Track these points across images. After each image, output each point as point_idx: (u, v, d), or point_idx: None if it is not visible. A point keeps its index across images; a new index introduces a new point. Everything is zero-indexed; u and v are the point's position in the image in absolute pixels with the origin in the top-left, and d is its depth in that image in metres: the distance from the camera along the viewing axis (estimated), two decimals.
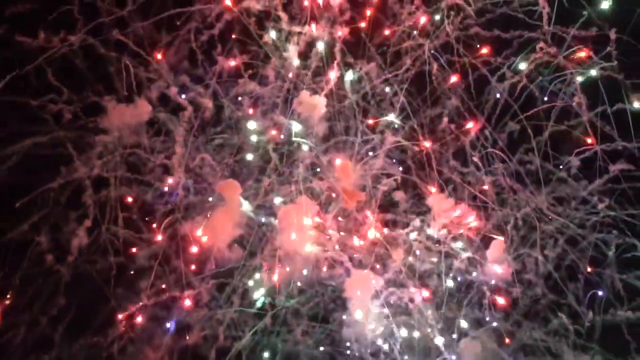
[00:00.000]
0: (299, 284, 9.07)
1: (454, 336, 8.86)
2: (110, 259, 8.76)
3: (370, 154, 9.36)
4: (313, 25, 9.05)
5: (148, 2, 8.68)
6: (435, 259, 9.02)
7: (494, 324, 8.99)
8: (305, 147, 9.23)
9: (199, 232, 8.67)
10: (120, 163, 8.82)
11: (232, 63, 9.22)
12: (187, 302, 8.83)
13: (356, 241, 9.02)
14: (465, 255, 8.91)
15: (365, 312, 8.62)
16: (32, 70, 8.24)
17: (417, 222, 9.07)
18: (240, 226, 8.77)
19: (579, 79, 8.92)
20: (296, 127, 9.06)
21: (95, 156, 8.61)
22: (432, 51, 9.27)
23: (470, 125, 9.22)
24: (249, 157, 9.43)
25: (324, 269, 9.08)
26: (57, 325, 8.57)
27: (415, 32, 9.30)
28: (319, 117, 8.97)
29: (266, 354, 9.34)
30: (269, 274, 8.93)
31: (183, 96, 9.05)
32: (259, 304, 9.08)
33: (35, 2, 8.26)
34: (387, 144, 9.26)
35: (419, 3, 9.21)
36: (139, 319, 8.72)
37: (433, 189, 9.04)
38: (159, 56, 8.92)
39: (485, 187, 9.15)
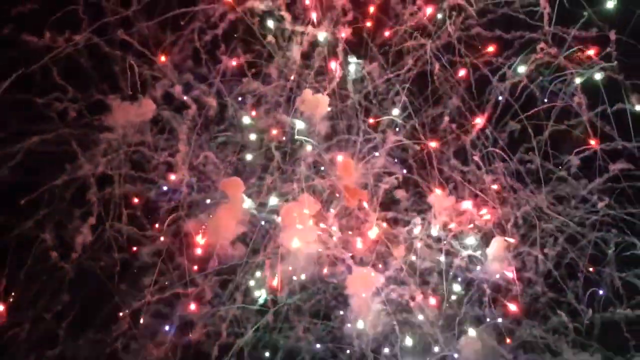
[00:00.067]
0: (302, 276, 9.08)
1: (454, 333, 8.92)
2: (114, 256, 8.79)
3: (376, 154, 9.41)
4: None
5: (153, 2, 8.72)
6: (436, 257, 9.06)
7: (499, 320, 9.01)
8: (307, 146, 9.29)
9: (199, 238, 8.75)
10: (124, 161, 8.85)
11: (234, 63, 9.28)
12: (192, 307, 8.93)
13: (359, 243, 9.05)
14: (465, 253, 8.96)
15: (366, 312, 8.71)
16: (38, 69, 8.26)
17: (418, 220, 9.12)
18: (243, 224, 8.82)
19: (578, 80, 8.95)
20: (299, 125, 9.09)
21: (99, 154, 8.65)
22: (434, 51, 9.32)
23: (478, 121, 9.26)
24: (249, 157, 9.47)
25: (325, 268, 9.16)
26: (61, 321, 8.61)
27: (416, 32, 9.34)
28: (322, 116, 9.02)
29: (268, 351, 9.38)
30: (271, 271, 8.99)
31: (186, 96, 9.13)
32: (261, 301, 9.12)
33: (40, 2, 8.30)
34: (388, 143, 9.31)
35: (421, 3, 9.26)
36: (143, 316, 8.79)
37: (439, 191, 9.08)
38: (163, 58, 8.96)
39: (495, 186, 9.18)
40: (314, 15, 9.12)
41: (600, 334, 8.95)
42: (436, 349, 8.89)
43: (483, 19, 9.23)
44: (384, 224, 9.15)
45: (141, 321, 8.86)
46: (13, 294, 8.48)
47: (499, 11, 9.17)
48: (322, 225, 8.95)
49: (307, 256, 8.76)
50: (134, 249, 9.00)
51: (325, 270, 9.14)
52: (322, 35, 9.13)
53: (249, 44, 9.32)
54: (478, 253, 8.99)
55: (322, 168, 9.44)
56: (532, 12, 8.96)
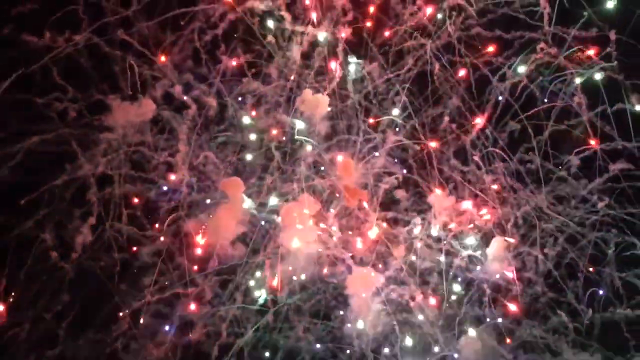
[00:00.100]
0: (302, 276, 9.09)
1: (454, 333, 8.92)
2: (114, 256, 8.79)
3: (376, 154, 9.41)
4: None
5: (153, 2, 8.72)
6: (436, 257, 9.07)
7: (499, 320, 9.03)
8: (307, 145, 9.30)
9: (199, 238, 8.76)
10: (124, 161, 8.86)
11: (234, 63, 9.29)
12: (192, 307, 8.94)
13: (359, 243, 9.06)
14: (465, 253, 8.97)
15: (366, 312, 8.71)
16: (38, 69, 8.27)
17: (418, 220, 9.13)
18: (243, 224, 8.83)
19: (578, 80, 8.96)
20: (299, 125, 9.10)
21: (99, 154, 8.65)
22: (433, 51, 9.32)
23: (478, 120, 9.27)
24: (249, 157, 9.48)
25: (325, 268, 9.17)
26: (61, 321, 8.62)
27: (416, 32, 9.35)
28: (322, 116, 9.02)
29: (268, 351, 9.38)
30: (271, 271, 8.99)
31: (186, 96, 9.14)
32: (261, 301, 9.13)
33: (40, 2, 8.30)
34: (388, 143, 9.32)
35: (421, 3, 9.26)
36: (143, 316, 8.80)
37: (439, 192, 9.08)
38: (163, 58, 8.96)
39: (495, 186, 9.18)
40: (314, 15, 9.13)
41: (600, 334, 8.95)
42: (436, 349, 8.90)
43: (483, 19, 9.23)
44: (384, 224, 9.15)
45: (141, 321, 8.86)
46: (13, 294, 8.49)
47: (499, 11, 9.17)
48: (322, 225, 8.96)
49: (307, 256, 8.77)
50: (134, 249, 9.00)
51: (325, 270, 9.14)
52: (322, 35, 9.14)
53: (249, 44, 9.33)
54: (478, 253, 8.99)
55: (322, 168, 9.45)
56: (532, 12, 8.96)
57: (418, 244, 9.02)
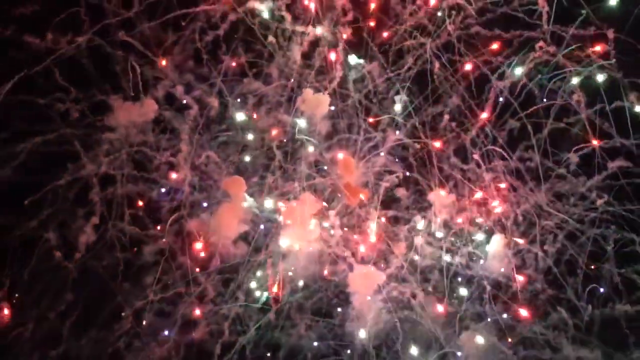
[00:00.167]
0: (301, 283, 9.14)
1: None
2: (117, 255, 8.86)
3: (382, 153, 9.46)
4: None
5: (154, 3, 8.75)
6: (437, 255, 9.12)
7: (504, 315, 9.09)
8: (308, 144, 9.35)
9: (199, 245, 8.83)
10: (126, 160, 8.91)
11: (234, 64, 9.35)
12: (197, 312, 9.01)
13: (362, 248, 9.10)
14: (466, 250, 9.03)
15: (368, 310, 8.76)
16: (40, 70, 8.33)
17: (419, 217, 9.19)
18: (245, 222, 8.87)
19: (577, 78, 9.00)
20: (301, 123, 9.16)
21: (102, 154, 8.72)
22: (433, 50, 9.37)
23: (484, 115, 9.29)
24: (250, 156, 9.55)
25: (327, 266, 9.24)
26: (65, 320, 8.67)
27: (415, 32, 9.39)
28: (323, 115, 9.07)
29: (270, 349, 9.41)
30: (273, 270, 9.04)
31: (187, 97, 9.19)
32: (263, 299, 9.18)
33: (42, 4, 8.35)
34: (389, 142, 9.38)
35: (421, 3, 9.31)
36: (145, 315, 8.87)
37: (443, 193, 9.11)
38: (164, 62, 9.02)
39: (503, 185, 9.21)
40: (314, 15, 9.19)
41: (599, 330, 8.99)
42: (437, 345, 8.93)
43: (482, 18, 9.26)
44: (383, 219, 9.18)
45: (144, 320, 8.93)
46: (17, 293, 8.58)
47: (498, 10, 9.19)
48: (324, 224, 9.01)
49: (309, 255, 8.82)
50: (137, 248, 9.05)
51: (326, 269, 9.19)
52: (320, 30, 9.15)
53: (249, 43, 9.37)
54: (479, 250, 9.04)
55: (325, 168, 9.51)
56: (530, 10, 8.99)
57: (419, 241, 9.05)
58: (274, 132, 9.38)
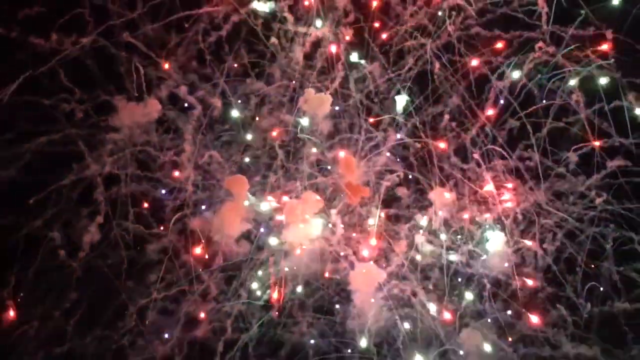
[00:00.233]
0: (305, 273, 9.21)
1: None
2: (122, 254, 8.94)
3: (387, 153, 9.54)
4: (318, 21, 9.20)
5: (157, 5, 8.83)
6: (437, 253, 9.19)
7: (510, 312, 9.15)
8: (310, 144, 9.42)
9: (198, 250, 8.93)
10: (130, 160, 8.99)
11: (236, 65, 9.44)
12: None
13: (365, 251, 9.16)
14: (466, 248, 9.10)
15: (369, 307, 8.83)
16: (45, 71, 8.41)
17: (419, 216, 9.26)
18: (247, 221, 8.92)
19: (575, 79, 9.05)
20: (304, 122, 9.23)
21: (106, 154, 8.78)
22: (434, 50, 9.43)
23: (489, 112, 9.35)
24: (252, 156, 9.63)
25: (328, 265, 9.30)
26: (70, 319, 8.76)
27: (416, 32, 9.45)
28: (325, 114, 9.14)
29: (272, 346, 9.47)
30: (275, 268, 9.12)
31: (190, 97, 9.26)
32: (265, 297, 9.25)
33: (47, 6, 8.45)
34: (390, 141, 9.45)
35: (421, 3, 9.38)
36: (149, 312, 8.94)
37: (447, 195, 9.16)
38: (167, 65, 9.08)
39: (510, 185, 9.26)
40: (315, 16, 9.26)
41: (598, 327, 9.03)
42: (438, 343, 9.00)
43: (482, 19, 9.32)
44: (382, 214, 9.24)
45: (148, 318, 9.01)
46: (22, 293, 8.65)
47: (498, 11, 9.25)
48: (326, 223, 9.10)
49: (311, 253, 8.89)
50: (140, 247, 9.13)
51: (328, 267, 9.25)
52: (320, 23, 9.21)
53: (252, 44, 9.44)
54: (479, 248, 9.12)
55: (329, 168, 9.57)
56: (530, 11, 9.04)
57: (419, 240, 9.12)
58: (276, 131, 9.45)
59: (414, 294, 9.09)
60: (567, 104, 9.22)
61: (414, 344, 9.03)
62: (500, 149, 9.29)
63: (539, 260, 9.20)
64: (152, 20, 8.93)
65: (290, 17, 9.16)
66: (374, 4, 9.41)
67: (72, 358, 8.82)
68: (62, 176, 8.66)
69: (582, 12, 8.82)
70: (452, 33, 9.33)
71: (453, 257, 9.20)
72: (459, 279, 9.35)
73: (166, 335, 9.08)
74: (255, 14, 9.14)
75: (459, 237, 9.20)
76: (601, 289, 9.20)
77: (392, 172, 9.43)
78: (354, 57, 9.49)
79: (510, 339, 9.05)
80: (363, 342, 8.93)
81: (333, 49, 9.29)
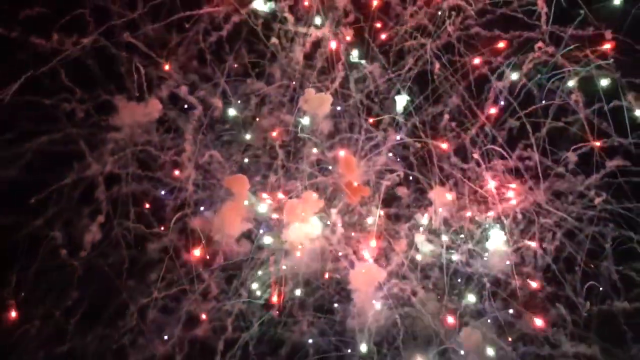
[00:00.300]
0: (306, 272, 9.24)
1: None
2: (122, 253, 8.96)
3: (390, 154, 9.57)
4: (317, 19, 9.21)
5: (158, 5, 8.85)
6: (437, 252, 9.21)
7: (511, 311, 9.17)
8: (310, 144, 9.45)
9: (197, 252, 8.94)
10: (131, 160, 9.01)
11: (236, 65, 9.46)
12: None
13: (367, 255, 9.17)
14: (466, 247, 9.13)
15: (369, 306, 8.86)
16: (46, 71, 8.42)
17: (419, 215, 9.29)
18: (248, 220, 8.96)
19: (574, 80, 9.09)
20: (304, 122, 9.26)
21: (107, 153, 8.80)
22: (434, 51, 9.47)
23: (492, 111, 9.39)
24: (250, 157, 9.66)
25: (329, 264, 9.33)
26: (71, 318, 8.77)
27: (416, 32, 9.49)
28: (325, 114, 9.17)
29: (273, 345, 9.48)
30: (276, 267, 9.14)
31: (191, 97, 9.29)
32: (265, 296, 9.28)
33: (48, 6, 8.47)
34: (390, 141, 9.48)
35: (421, 3, 9.41)
36: (150, 311, 8.97)
37: (449, 196, 9.19)
38: (167, 67, 9.11)
39: (513, 185, 9.28)
40: (315, 16, 9.29)
41: (598, 326, 9.06)
42: (438, 341, 9.03)
43: (482, 19, 9.35)
44: (382, 213, 9.27)
45: (148, 317, 9.03)
46: (23, 292, 8.66)
47: (498, 11, 9.29)
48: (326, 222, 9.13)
49: (311, 252, 8.92)
50: (141, 246, 9.15)
51: (328, 266, 9.28)
52: (319, 20, 9.23)
53: (252, 44, 9.47)
54: (478, 248, 9.14)
55: (329, 167, 9.59)
56: (530, 11, 9.08)
57: (420, 239, 9.14)
58: (277, 131, 9.48)
59: (414, 293, 9.11)
60: (566, 104, 9.26)
61: (413, 343, 9.05)
62: (500, 149, 9.32)
63: (539, 259, 9.23)
64: (153, 20, 8.96)
65: (290, 18, 9.21)
66: (374, 3, 9.44)
67: (73, 357, 8.83)
68: (63, 176, 8.68)
69: (582, 12, 8.85)
70: (452, 33, 9.38)
71: (453, 256, 9.21)
72: (459, 280, 9.38)
73: (166, 336, 9.09)
74: (255, 14, 9.19)
75: (461, 236, 9.23)
76: (600, 288, 9.23)
77: (392, 171, 9.48)
78: (354, 57, 9.51)
79: (510, 338, 9.08)
80: (363, 347, 8.96)
81: (333, 45, 9.31)
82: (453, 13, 9.35)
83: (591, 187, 9.20)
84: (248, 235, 9.17)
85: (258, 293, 9.40)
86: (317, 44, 9.36)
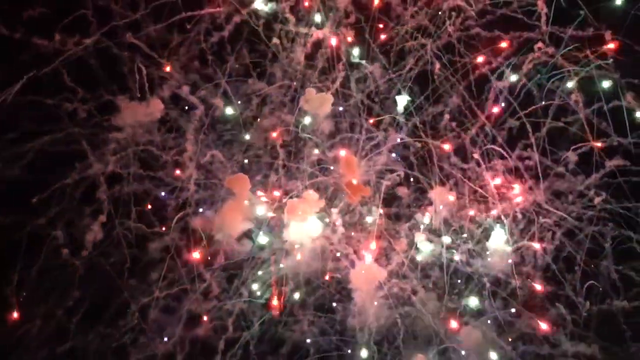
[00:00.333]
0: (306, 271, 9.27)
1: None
2: (124, 252, 8.98)
3: (392, 154, 9.61)
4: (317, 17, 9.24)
5: (160, 6, 8.87)
6: (437, 251, 9.24)
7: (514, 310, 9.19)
8: (311, 144, 9.49)
9: (196, 254, 8.96)
10: (133, 159, 9.03)
11: (237, 65, 9.49)
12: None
13: (368, 257, 9.16)
14: (466, 247, 9.16)
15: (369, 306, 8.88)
16: (49, 71, 8.43)
17: (419, 215, 9.31)
18: (249, 220, 8.97)
19: (573, 80, 9.12)
20: (305, 122, 9.29)
21: (109, 153, 8.82)
22: (434, 51, 9.50)
23: (495, 110, 9.42)
24: (251, 157, 9.69)
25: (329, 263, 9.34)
26: (72, 317, 8.80)
27: (416, 33, 9.52)
28: (326, 114, 9.20)
29: (273, 344, 9.51)
30: (276, 267, 9.17)
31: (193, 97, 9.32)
32: (266, 296, 9.30)
33: (50, 6, 8.51)
34: (390, 141, 9.51)
35: (422, 4, 9.44)
36: (151, 311, 8.98)
37: (451, 197, 9.21)
38: (168, 69, 9.14)
39: (516, 185, 9.28)
40: (316, 17, 9.32)
41: (597, 325, 9.09)
42: (438, 340, 9.05)
43: (482, 20, 9.38)
44: (381, 210, 9.29)
45: (149, 316, 9.05)
46: (25, 291, 8.69)
47: (498, 12, 9.32)
48: (326, 221, 9.15)
49: (312, 251, 8.94)
50: (143, 245, 9.18)
51: (328, 266, 9.29)
52: (318, 18, 9.26)
53: (253, 44, 9.51)
54: (479, 247, 9.17)
55: (330, 167, 9.61)
56: (530, 12, 9.11)
57: (420, 238, 9.17)
58: (278, 131, 9.50)
59: (414, 293, 9.13)
60: (566, 104, 9.29)
61: (414, 342, 9.08)
62: (500, 149, 9.35)
63: (539, 259, 9.26)
64: (155, 21, 8.98)
65: (291, 18, 9.25)
66: (375, 3, 9.47)
67: (74, 356, 8.85)
68: (65, 175, 8.70)
69: (582, 12, 8.87)
70: (453, 33, 9.41)
71: (453, 256, 9.24)
72: (459, 280, 9.40)
73: (167, 335, 9.11)
74: (256, 14, 9.22)
75: (463, 235, 9.25)
76: (600, 287, 9.26)
77: (392, 171, 9.49)
78: (355, 57, 9.55)
79: (510, 338, 9.11)
80: (364, 353, 8.99)
81: (333, 41, 9.34)
82: (453, 13, 9.38)
83: (591, 187, 9.21)
84: (249, 235, 9.19)
85: (258, 293, 9.41)
86: (318, 44, 9.40)
